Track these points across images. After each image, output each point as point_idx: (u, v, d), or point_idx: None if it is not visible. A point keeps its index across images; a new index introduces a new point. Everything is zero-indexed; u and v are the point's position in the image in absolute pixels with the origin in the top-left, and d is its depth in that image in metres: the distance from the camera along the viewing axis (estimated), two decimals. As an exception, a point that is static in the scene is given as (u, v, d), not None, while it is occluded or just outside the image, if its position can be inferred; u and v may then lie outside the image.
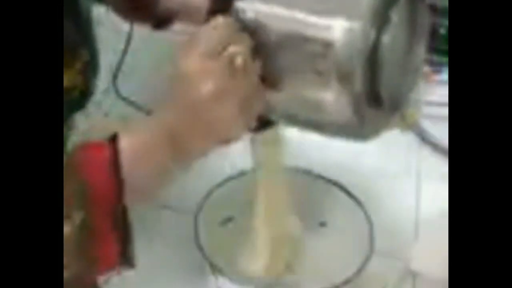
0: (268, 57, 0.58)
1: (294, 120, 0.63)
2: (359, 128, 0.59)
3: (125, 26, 0.88)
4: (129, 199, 0.58)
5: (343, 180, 0.84)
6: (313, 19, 0.56)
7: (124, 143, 0.57)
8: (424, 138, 1.03)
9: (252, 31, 0.57)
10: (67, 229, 0.56)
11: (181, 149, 0.58)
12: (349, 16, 0.55)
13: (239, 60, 0.55)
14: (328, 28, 0.55)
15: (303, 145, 1.02)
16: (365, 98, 0.56)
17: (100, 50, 0.74)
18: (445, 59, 1.07)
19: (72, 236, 0.56)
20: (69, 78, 0.67)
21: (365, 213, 0.78)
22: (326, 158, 1.00)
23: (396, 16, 0.56)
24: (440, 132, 1.02)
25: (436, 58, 1.12)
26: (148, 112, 0.61)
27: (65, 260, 0.57)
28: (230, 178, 0.83)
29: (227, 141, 0.59)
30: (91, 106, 0.75)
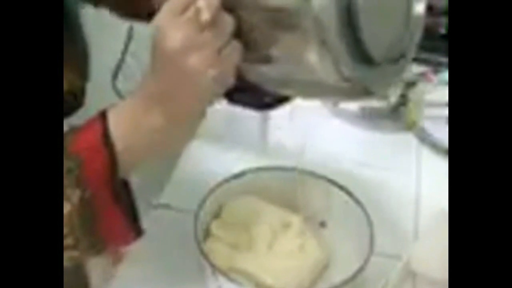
0: (243, 13, 0.57)
1: (292, 88, 0.61)
2: (356, 87, 0.56)
3: (125, 26, 0.88)
4: (125, 168, 0.58)
5: (343, 180, 0.84)
6: None
7: (113, 116, 0.58)
8: (424, 138, 1.03)
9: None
10: (67, 209, 0.56)
11: (168, 108, 0.58)
12: None
13: (205, 14, 0.55)
14: None
15: (303, 145, 1.02)
16: (352, 56, 0.54)
17: (100, 50, 0.74)
18: (445, 59, 1.07)
19: (74, 215, 0.57)
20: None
21: (365, 213, 0.78)
22: (326, 158, 1.00)
23: None
24: (440, 132, 1.02)
25: (436, 58, 1.12)
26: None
27: (73, 239, 0.58)
28: (230, 178, 0.83)
29: (202, 95, 0.59)
30: (90, 106, 0.75)
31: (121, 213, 0.59)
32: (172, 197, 0.89)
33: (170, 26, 0.55)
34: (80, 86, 0.72)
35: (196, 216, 0.76)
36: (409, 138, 1.05)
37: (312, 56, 0.55)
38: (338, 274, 0.77)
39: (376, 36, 0.55)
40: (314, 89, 0.59)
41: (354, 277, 0.71)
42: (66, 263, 0.60)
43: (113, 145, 0.57)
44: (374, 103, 1.05)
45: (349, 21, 0.53)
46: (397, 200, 0.92)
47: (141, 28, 0.85)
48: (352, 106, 1.06)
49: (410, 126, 1.05)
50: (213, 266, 0.72)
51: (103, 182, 0.58)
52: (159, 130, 0.58)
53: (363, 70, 0.56)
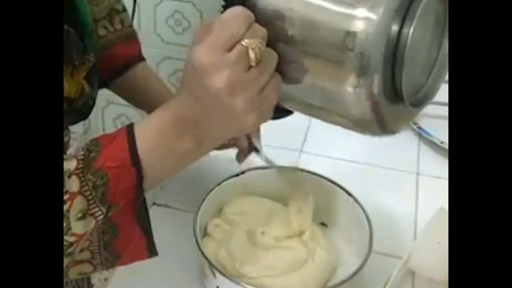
0: (285, 47, 0.56)
1: (310, 110, 0.61)
2: (377, 123, 0.57)
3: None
4: (148, 187, 0.58)
5: (343, 180, 0.84)
6: (335, 8, 0.54)
7: (140, 134, 0.57)
8: (424, 138, 1.03)
9: (269, 21, 0.56)
10: (91, 224, 0.56)
11: (202, 135, 0.58)
12: (371, 7, 0.52)
13: (252, 54, 0.54)
14: (350, 17, 0.53)
15: (304, 145, 1.03)
16: (384, 93, 0.55)
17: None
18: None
19: (95, 230, 0.57)
20: (76, 87, 0.67)
21: (365, 213, 0.78)
22: (326, 158, 1.00)
23: (419, 9, 0.53)
24: (440, 131, 1.02)
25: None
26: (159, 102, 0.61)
27: (89, 253, 0.58)
28: (230, 178, 0.83)
29: (244, 131, 0.59)
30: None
31: (140, 232, 0.59)
32: (172, 197, 0.89)
33: (216, 65, 0.53)
34: (94, 96, 0.71)
35: (196, 216, 0.77)
36: (409, 137, 1.05)
37: (347, 88, 0.55)
38: (338, 273, 0.77)
39: (409, 75, 0.55)
40: (334, 116, 0.59)
41: (353, 276, 0.71)
42: (76, 276, 0.60)
43: (141, 166, 0.56)
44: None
45: (393, 60, 0.54)
46: (397, 199, 0.92)
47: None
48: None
49: (409, 125, 1.05)
50: (212, 265, 0.72)
51: (128, 202, 0.57)
52: (187, 154, 0.59)
53: (388, 107, 0.56)
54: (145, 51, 0.93)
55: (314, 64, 0.56)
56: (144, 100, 0.88)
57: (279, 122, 1.05)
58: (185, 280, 0.78)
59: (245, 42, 0.54)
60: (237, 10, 0.55)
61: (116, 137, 0.57)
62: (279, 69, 0.57)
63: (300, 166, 0.88)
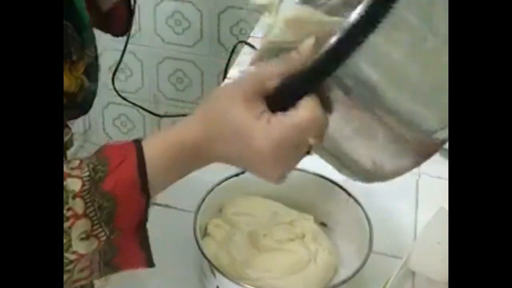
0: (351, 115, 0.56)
1: (321, 153, 0.62)
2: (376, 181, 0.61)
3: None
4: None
5: (343, 180, 0.83)
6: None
7: (151, 159, 0.56)
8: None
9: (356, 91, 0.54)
10: (94, 245, 0.55)
11: (207, 163, 0.60)
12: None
13: (311, 152, 0.57)
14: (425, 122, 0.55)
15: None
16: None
17: (100, 50, 0.74)
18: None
19: (97, 252, 0.57)
20: (76, 82, 0.67)
21: (365, 213, 0.78)
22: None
23: None
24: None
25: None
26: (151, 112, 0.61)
27: (88, 271, 0.57)
28: (230, 178, 0.83)
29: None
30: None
31: (140, 247, 0.59)
32: (171, 197, 0.89)
33: (278, 161, 0.55)
34: (93, 90, 0.71)
35: (196, 216, 0.76)
36: (409, 138, 1.05)
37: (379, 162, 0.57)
38: (338, 273, 0.77)
39: None
40: (341, 169, 0.62)
41: (353, 276, 0.71)
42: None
43: (149, 192, 0.56)
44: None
45: None
46: (397, 199, 0.92)
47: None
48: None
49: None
50: (212, 265, 0.72)
51: (133, 227, 0.57)
52: (189, 173, 0.60)
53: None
54: (145, 51, 0.93)
55: (358, 142, 0.57)
56: None
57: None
58: (185, 280, 0.78)
59: (311, 142, 0.55)
60: (315, 115, 0.53)
61: (125, 159, 0.56)
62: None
63: (300, 166, 0.88)
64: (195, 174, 0.92)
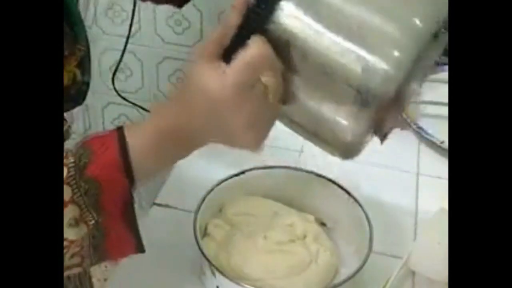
0: (292, 75, 0.57)
1: (296, 127, 0.63)
2: (354, 152, 0.61)
3: (124, 27, 0.88)
4: (137, 187, 0.59)
5: (343, 180, 0.84)
6: (352, 47, 0.54)
7: (133, 143, 0.57)
8: (424, 138, 1.03)
9: (283, 49, 0.56)
10: (83, 231, 0.56)
11: (197, 144, 0.60)
12: (387, 59, 0.53)
13: (272, 93, 0.56)
14: (362, 60, 0.53)
15: (304, 145, 1.02)
16: (374, 124, 0.57)
17: (100, 50, 0.74)
18: (445, 58, 1.07)
19: (87, 237, 0.57)
20: (68, 76, 0.68)
21: (365, 213, 0.78)
22: (326, 158, 1.00)
23: (429, 61, 0.55)
24: (440, 131, 1.02)
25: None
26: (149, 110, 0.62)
27: (79, 258, 0.58)
28: (230, 178, 0.83)
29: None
30: (90, 105, 0.76)
31: (129, 232, 0.60)
32: (171, 197, 0.89)
33: (239, 103, 0.55)
34: (86, 81, 0.72)
35: (196, 216, 0.76)
36: (409, 137, 1.05)
37: (344, 119, 0.57)
38: (338, 273, 0.77)
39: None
40: (316, 137, 0.61)
41: (353, 276, 0.71)
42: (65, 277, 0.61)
43: (133, 175, 0.57)
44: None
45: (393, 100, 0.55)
46: (396, 199, 0.92)
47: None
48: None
49: (409, 125, 1.05)
50: (212, 265, 0.72)
51: (119, 208, 0.58)
52: (175, 159, 0.61)
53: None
54: (145, 51, 0.93)
55: (316, 94, 0.58)
56: None
57: (279, 123, 1.05)
58: (185, 280, 0.78)
59: (265, 79, 0.56)
60: (263, 51, 0.55)
61: (108, 143, 0.57)
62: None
63: (300, 166, 0.88)
64: (195, 174, 0.92)
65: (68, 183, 0.55)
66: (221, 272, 0.71)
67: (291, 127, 0.63)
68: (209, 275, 0.74)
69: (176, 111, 0.59)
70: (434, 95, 1.13)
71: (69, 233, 0.56)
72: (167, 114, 0.59)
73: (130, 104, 1.06)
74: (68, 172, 0.56)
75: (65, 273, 0.59)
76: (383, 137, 0.61)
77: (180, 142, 0.59)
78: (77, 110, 0.74)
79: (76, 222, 0.56)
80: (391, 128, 0.62)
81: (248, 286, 0.70)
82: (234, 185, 0.83)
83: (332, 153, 0.62)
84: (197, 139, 0.59)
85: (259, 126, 0.58)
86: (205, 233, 0.80)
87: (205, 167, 0.92)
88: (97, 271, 0.97)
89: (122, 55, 0.95)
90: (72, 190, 0.56)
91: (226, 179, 0.83)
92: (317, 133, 0.60)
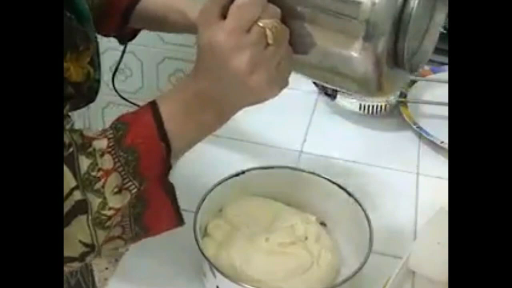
0: (295, 22, 0.59)
1: (313, 72, 0.64)
2: (376, 83, 0.60)
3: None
4: (174, 157, 0.61)
5: (343, 180, 0.84)
6: None
7: (165, 109, 0.60)
8: (424, 138, 1.03)
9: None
10: (126, 199, 0.58)
11: (223, 109, 0.61)
12: None
13: (269, 34, 0.57)
14: None
15: (304, 145, 1.03)
16: (386, 58, 0.58)
17: (100, 50, 0.74)
18: (445, 58, 1.07)
19: (128, 207, 0.59)
20: (82, 72, 0.68)
21: (365, 212, 0.78)
22: (326, 157, 1.00)
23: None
24: (440, 131, 1.02)
25: (436, 58, 1.12)
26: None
27: (120, 229, 0.60)
28: (230, 178, 0.83)
29: (265, 101, 0.61)
30: (90, 105, 0.76)
31: (169, 203, 0.62)
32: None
33: (237, 47, 0.56)
34: (97, 79, 0.73)
35: (196, 216, 0.76)
36: (409, 137, 1.05)
37: (354, 53, 0.58)
38: (338, 273, 0.77)
39: (410, 43, 0.58)
40: (334, 76, 0.62)
41: (353, 276, 0.71)
42: (109, 253, 0.62)
43: (168, 139, 0.59)
44: (374, 101, 1.05)
45: (397, 27, 0.57)
46: (396, 199, 0.92)
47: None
48: (352, 104, 1.06)
49: (409, 125, 1.05)
50: (212, 265, 0.72)
51: (159, 175, 0.60)
52: (209, 125, 0.62)
53: (388, 70, 0.59)
54: (145, 51, 0.93)
55: (323, 35, 0.59)
56: (169, 17, 0.90)
57: (279, 123, 1.06)
58: (185, 280, 0.78)
59: (262, 22, 0.57)
60: None
61: (142, 114, 0.60)
62: (290, 41, 0.60)
63: (300, 166, 0.88)
64: (195, 174, 0.92)
65: (109, 152, 0.58)
66: (221, 272, 0.71)
67: (306, 74, 0.64)
68: (209, 275, 0.74)
69: (194, 75, 0.61)
70: (434, 95, 1.13)
71: (114, 201, 0.58)
72: (189, 81, 0.61)
73: (130, 104, 1.06)
74: (109, 142, 0.58)
75: (107, 246, 0.60)
76: (411, 70, 0.61)
77: (207, 106, 0.60)
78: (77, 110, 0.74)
79: (119, 190, 0.58)
80: (420, 62, 0.63)
81: (249, 287, 0.70)
82: (234, 185, 0.83)
83: (356, 90, 0.63)
84: (220, 101, 0.60)
85: (265, 70, 0.58)
86: (205, 233, 0.80)
87: (205, 167, 0.92)
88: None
89: (122, 55, 0.95)
90: (113, 159, 0.58)
91: (226, 179, 0.83)
92: (333, 68, 0.61)
